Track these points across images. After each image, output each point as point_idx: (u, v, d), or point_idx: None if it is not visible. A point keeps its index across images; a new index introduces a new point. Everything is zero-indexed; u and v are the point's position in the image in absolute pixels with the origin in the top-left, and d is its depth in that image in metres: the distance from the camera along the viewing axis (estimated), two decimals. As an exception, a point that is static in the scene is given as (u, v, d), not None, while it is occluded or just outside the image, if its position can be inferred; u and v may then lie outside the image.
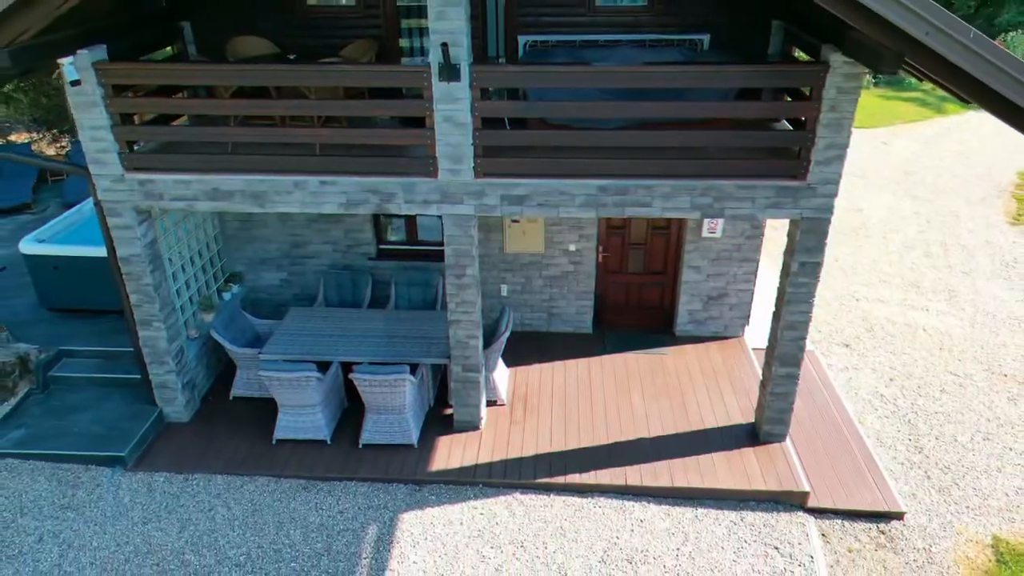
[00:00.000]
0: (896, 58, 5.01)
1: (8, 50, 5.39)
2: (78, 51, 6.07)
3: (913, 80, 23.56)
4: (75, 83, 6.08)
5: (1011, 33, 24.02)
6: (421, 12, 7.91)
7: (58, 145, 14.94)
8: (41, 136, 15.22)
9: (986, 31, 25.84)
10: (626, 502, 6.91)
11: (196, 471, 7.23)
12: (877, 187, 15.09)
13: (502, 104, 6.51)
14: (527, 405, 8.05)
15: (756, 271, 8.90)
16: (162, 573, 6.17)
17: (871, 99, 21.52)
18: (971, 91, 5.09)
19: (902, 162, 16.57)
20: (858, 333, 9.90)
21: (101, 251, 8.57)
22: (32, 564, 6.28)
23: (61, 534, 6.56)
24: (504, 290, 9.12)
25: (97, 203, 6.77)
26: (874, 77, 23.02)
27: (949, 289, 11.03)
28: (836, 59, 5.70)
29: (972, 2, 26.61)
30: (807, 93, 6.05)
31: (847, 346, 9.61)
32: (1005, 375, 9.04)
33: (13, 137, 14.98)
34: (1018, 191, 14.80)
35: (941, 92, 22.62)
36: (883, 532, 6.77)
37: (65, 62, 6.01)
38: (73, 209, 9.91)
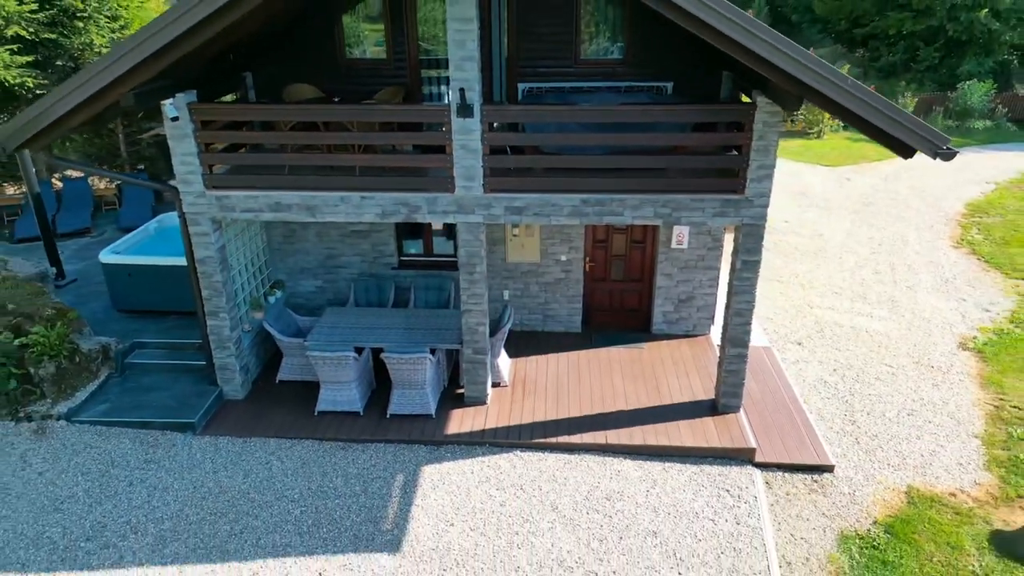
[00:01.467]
0: (798, 100, 6.78)
1: (134, 93, 7.14)
2: (176, 95, 7.83)
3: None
4: (174, 119, 7.81)
5: (967, 82, 26.11)
6: (439, 64, 9.76)
7: (107, 179, 16.73)
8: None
9: (949, 79, 28.07)
10: (606, 458, 8.44)
11: (253, 435, 8.76)
12: (838, 216, 16.87)
13: (506, 135, 8.23)
14: (525, 387, 9.62)
15: (718, 278, 10.55)
16: (233, 506, 7.69)
17: (840, 141, 23.52)
18: (856, 123, 6.82)
19: (862, 195, 18.41)
20: (810, 334, 11.52)
21: (167, 261, 10.32)
22: (126, 501, 7.79)
23: (147, 480, 8.09)
24: (506, 295, 10.77)
25: (181, 214, 8.46)
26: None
27: (892, 300, 12.69)
28: (762, 100, 7.47)
29: (936, 54, 28.85)
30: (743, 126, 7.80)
31: (799, 344, 11.22)
32: (932, 367, 10.63)
33: (69, 172, 16.78)
34: (963, 219, 16.58)
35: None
36: (816, 481, 8.29)
37: (167, 103, 7.76)
38: (140, 228, 11.65)
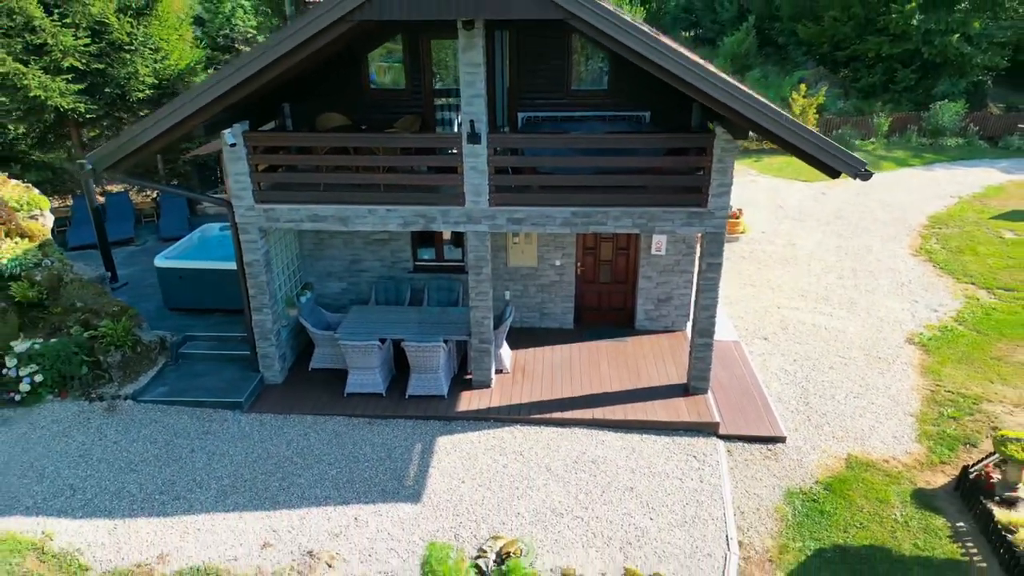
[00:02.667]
0: (745, 131, 8.36)
1: (204, 124, 8.72)
2: (233, 125, 9.40)
3: (857, 142, 27.14)
4: (232, 145, 9.38)
5: (940, 102, 27.76)
6: (450, 94, 11.35)
7: (143, 194, 18.35)
8: (132, 186, 18.59)
9: (925, 99, 29.72)
10: (592, 430, 9.94)
11: (291, 413, 10.27)
12: (810, 228, 18.45)
13: (508, 158, 9.79)
14: (524, 373, 11.13)
15: (692, 280, 12.09)
16: (279, 467, 9.20)
17: (819, 158, 25.10)
18: (792, 150, 8.39)
19: (835, 208, 20.00)
20: (775, 330, 13.06)
21: (214, 265, 11.85)
22: (189, 464, 9.29)
23: (205, 448, 9.59)
24: (507, 294, 12.31)
25: (233, 224, 10.01)
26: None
27: (851, 301, 14.23)
28: (719, 130, 9.04)
29: (913, 75, 30.52)
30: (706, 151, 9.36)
31: (766, 339, 12.75)
32: (879, 358, 12.15)
33: (109, 187, 18.37)
34: (924, 230, 18.15)
35: (881, 151, 26.25)
36: (770, 450, 9.79)
37: (226, 132, 9.34)
38: (186, 237, 13.24)
